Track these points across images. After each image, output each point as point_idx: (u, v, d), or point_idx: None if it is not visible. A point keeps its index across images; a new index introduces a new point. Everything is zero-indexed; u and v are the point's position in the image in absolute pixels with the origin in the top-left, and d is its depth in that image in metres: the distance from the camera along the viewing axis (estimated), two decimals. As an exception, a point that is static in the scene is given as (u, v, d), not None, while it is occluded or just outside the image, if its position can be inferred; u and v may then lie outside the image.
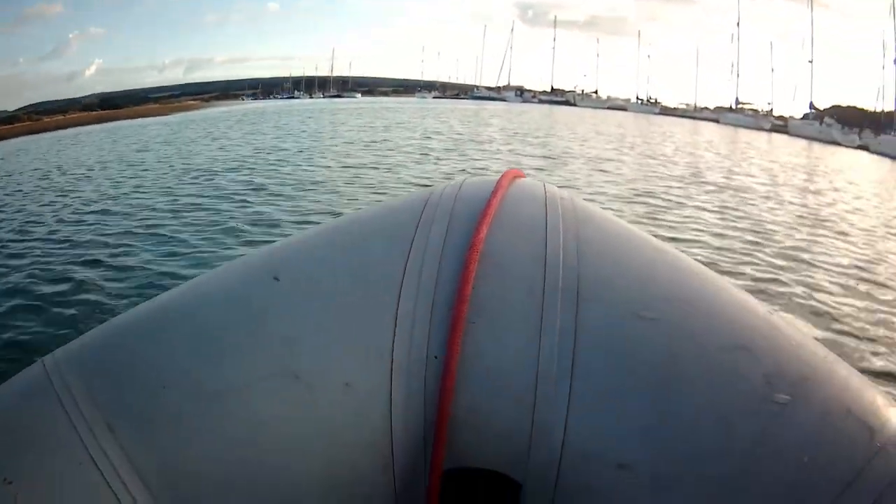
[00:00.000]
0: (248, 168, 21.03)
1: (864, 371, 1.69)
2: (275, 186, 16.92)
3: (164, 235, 12.22)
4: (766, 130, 79.29)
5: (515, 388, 1.42)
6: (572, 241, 1.57)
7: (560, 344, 1.42)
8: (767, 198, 18.26)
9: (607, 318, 1.46)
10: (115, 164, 24.82)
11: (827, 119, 73.77)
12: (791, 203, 18.18)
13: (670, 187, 18.31)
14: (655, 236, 1.80)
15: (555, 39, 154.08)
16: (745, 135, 64.60)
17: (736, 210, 15.67)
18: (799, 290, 9.35)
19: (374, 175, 19.07)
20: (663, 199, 16.10)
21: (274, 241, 2.07)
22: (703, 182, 20.66)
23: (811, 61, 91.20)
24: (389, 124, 40.93)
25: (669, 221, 13.38)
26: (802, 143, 59.05)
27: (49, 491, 1.35)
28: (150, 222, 13.36)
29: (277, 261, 1.68)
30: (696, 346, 1.43)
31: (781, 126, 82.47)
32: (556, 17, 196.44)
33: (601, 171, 21.90)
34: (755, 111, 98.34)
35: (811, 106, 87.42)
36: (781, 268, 10.42)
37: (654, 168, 23.53)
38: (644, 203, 15.44)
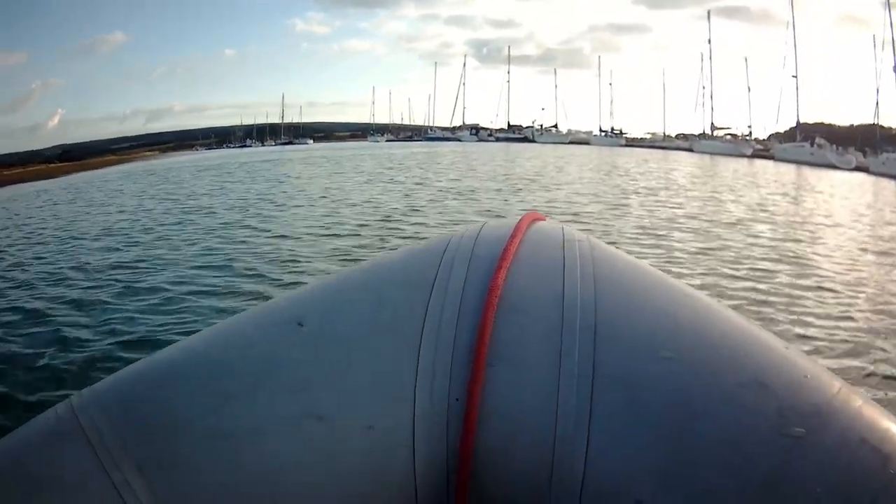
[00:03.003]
0: None
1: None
2: None
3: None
4: (748, 157, 68.59)
5: (535, 429, 1.38)
6: (589, 283, 1.54)
7: (578, 385, 1.38)
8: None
9: (624, 358, 1.42)
10: None
11: (818, 139, 62.70)
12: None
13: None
14: (670, 275, 1.76)
15: (509, 72, 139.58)
16: (724, 164, 53.77)
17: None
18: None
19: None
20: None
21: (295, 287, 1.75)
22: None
23: (795, 76, 77.03)
24: (300, 195, 27.56)
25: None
26: (792, 168, 50.39)
27: None
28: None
29: (300, 306, 1.65)
30: (712, 383, 1.39)
31: (763, 151, 71.84)
32: (509, 48, 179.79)
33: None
34: (734, 136, 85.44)
35: (798, 125, 75.51)
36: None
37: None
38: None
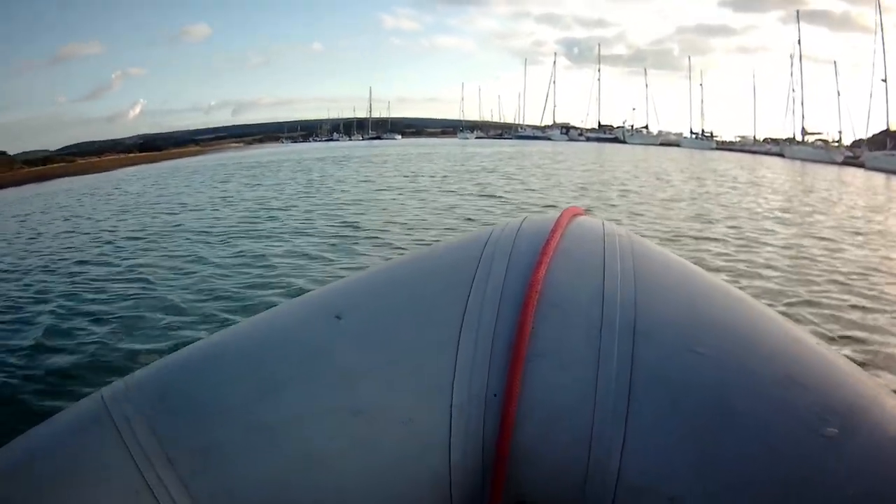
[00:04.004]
0: None
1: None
2: None
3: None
4: (838, 164, 60.37)
5: (572, 425, 1.36)
6: (629, 279, 1.51)
7: (616, 381, 1.35)
8: None
9: (662, 354, 1.39)
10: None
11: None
12: None
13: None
14: (710, 271, 1.74)
15: (599, 71, 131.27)
16: (822, 172, 46.21)
17: None
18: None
19: None
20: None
21: (335, 280, 1.88)
22: None
23: (884, 80, 68.77)
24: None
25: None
26: (883, 178, 42.39)
27: None
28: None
29: (339, 299, 1.62)
30: (748, 381, 1.37)
31: (853, 158, 63.13)
32: (599, 45, 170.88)
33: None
34: (825, 141, 77.57)
35: (888, 132, 67.05)
36: None
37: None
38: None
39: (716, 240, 13.67)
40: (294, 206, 21.15)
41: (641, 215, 17.55)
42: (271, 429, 1.35)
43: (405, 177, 33.79)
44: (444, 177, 32.59)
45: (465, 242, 1.69)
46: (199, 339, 1.69)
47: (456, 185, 27.02)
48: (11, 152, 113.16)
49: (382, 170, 40.61)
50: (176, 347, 1.68)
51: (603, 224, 1.71)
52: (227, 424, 1.37)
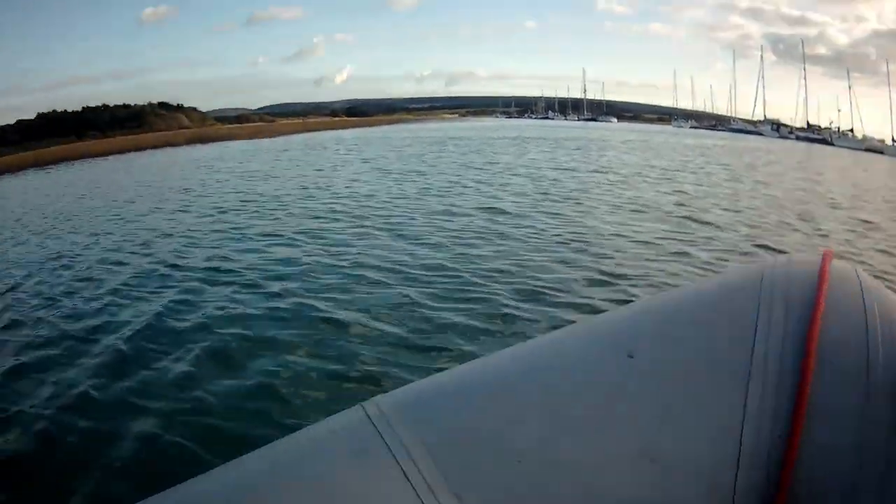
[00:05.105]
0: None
1: None
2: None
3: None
4: None
5: (848, 482, 1.32)
6: (889, 333, 1.41)
7: (887, 434, 1.32)
8: None
9: None
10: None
11: None
12: None
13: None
14: None
15: (804, 69, 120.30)
16: None
17: None
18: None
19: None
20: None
21: (617, 307, 1.89)
22: None
23: None
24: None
25: None
26: None
27: None
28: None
29: (629, 335, 1.54)
30: None
31: None
32: (802, 42, 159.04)
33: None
34: None
35: None
36: None
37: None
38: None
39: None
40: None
41: None
42: (570, 469, 1.30)
43: (580, 173, 26.10)
44: (625, 176, 25.43)
45: (740, 282, 1.57)
46: (454, 365, 1.63)
47: (630, 193, 19.70)
48: (205, 109, 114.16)
49: (565, 159, 33.90)
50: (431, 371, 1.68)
51: (856, 271, 1.56)
52: (523, 461, 1.30)
